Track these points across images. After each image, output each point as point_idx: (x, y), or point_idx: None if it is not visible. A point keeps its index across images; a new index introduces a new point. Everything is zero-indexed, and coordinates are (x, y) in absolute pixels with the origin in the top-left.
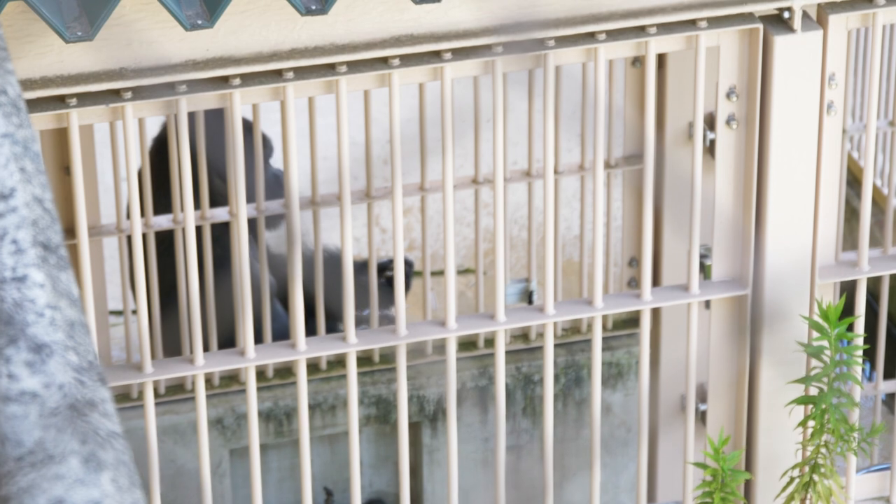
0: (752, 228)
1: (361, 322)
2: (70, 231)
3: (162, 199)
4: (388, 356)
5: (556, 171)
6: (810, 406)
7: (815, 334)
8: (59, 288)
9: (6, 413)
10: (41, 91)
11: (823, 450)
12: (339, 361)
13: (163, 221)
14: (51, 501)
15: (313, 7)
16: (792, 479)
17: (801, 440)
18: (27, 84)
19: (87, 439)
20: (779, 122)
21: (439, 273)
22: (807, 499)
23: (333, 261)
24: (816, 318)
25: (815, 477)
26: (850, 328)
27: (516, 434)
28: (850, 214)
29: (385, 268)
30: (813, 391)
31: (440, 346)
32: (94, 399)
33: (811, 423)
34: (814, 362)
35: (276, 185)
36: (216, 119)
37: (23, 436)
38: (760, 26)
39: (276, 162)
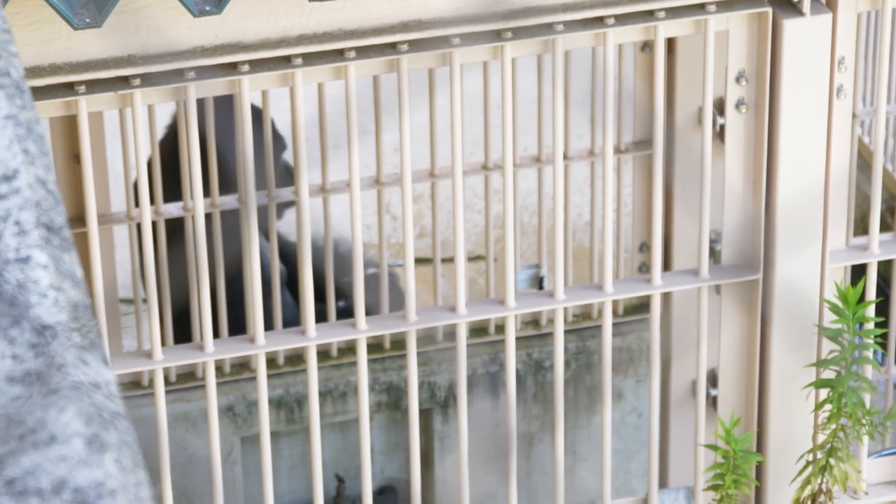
0: (763, 213)
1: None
2: (80, 219)
3: (176, 188)
4: (399, 342)
5: (566, 157)
6: (824, 390)
7: (831, 317)
8: (62, 269)
9: (10, 394)
10: (50, 78)
11: (840, 433)
12: (349, 348)
13: (173, 209)
14: (54, 482)
15: None
16: (808, 463)
17: (815, 424)
18: (35, 71)
19: (90, 420)
20: (788, 106)
21: (450, 260)
22: (823, 482)
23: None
24: (834, 300)
25: (832, 461)
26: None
27: (527, 420)
28: (861, 199)
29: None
30: (829, 375)
31: (451, 333)
32: (98, 380)
33: (827, 406)
34: (826, 346)
35: (288, 175)
36: (229, 106)
37: (26, 416)
38: (769, 10)
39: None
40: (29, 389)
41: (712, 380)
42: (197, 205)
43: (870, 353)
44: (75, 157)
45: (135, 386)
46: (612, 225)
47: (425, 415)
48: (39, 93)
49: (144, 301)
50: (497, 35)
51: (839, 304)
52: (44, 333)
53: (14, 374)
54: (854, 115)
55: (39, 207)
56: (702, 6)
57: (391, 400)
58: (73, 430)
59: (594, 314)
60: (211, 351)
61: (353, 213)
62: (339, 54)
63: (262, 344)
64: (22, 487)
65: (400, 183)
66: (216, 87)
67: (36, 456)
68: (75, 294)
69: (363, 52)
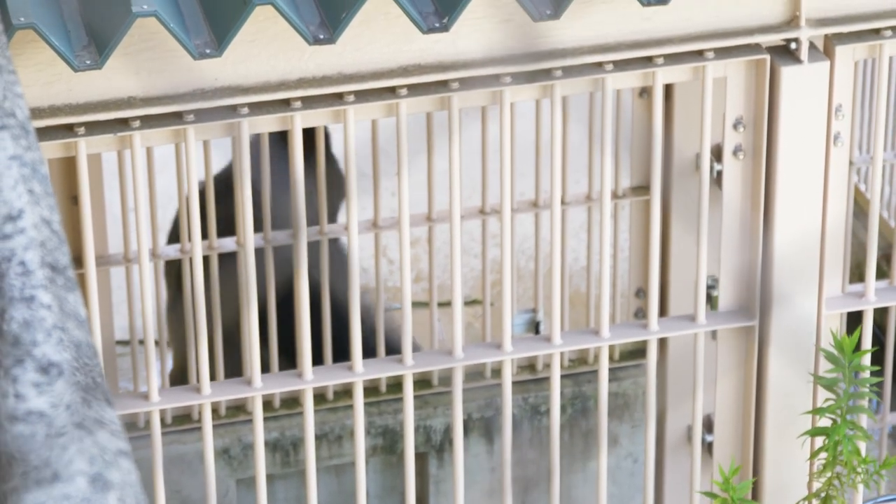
0: (759, 259)
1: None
2: (77, 260)
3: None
4: (395, 386)
5: (563, 202)
6: (819, 437)
7: (827, 364)
8: (66, 309)
9: (13, 432)
10: (49, 120)
11: (836, 482)
12: (345, 391)
13: (171, 251)
14: None
15: (321, 36)
16: None
17: (810, 471)
18: (35, 113)
19: (93, 459)
20: (786, 153)
21: (446, 304)
22: None
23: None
24: (829, 348)
25: None
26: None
27: (523, 465)
28: (857, 246)
29: None
30: (824, 422)
31: (447, 377)
32: (102, 418)
33: (822, 454)
34: (821, 394)
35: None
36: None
37: (29, 455)
38: (767, 57)
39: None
40: (32, 428)
41: (708, 426)
42: (195, 249)
43: (865, 402)
44: (73, 199)
45: (131, 427)
46: (609, 269)
47: (421, 459)
48: (39, 134)
49: (140, 342)
50: (496, 80)
51: (835, 352)
52: (48, 372)
53: (17, 413)
54: (851, 163)
55: (44, 247)
56: (700, 53)
57: (387, 443)
58: (76, 469)
59: (590, 359)
60: (208, 393)
61: (351, 256)
62: (339, 98)
63: (258, 387)
64: None
65: (398, 227)
66: (215, 129)
67: (39, 494)
68: (79, 334)
69: (362, 95)
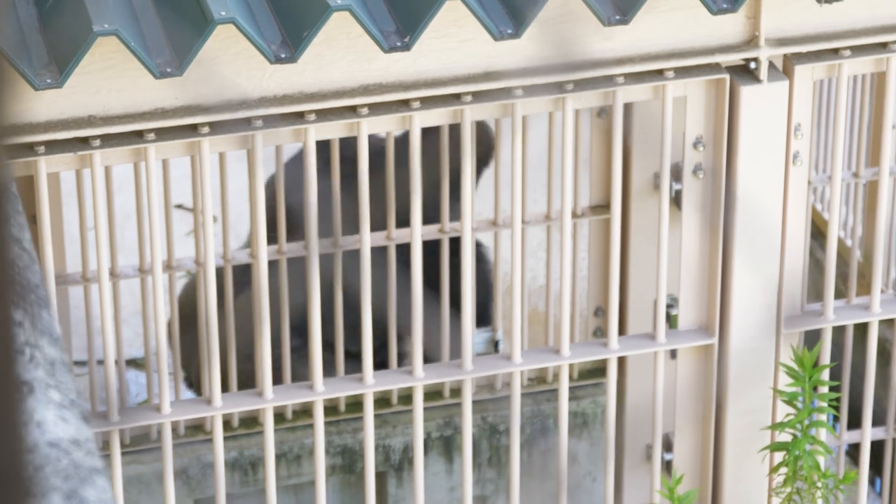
0: (719, 278)
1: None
2: None
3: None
4: (354, 405)
5: (522, 221)
6: (778, 453)
7: (784, 382)
8: (39, 326)
9: None
10: None
11: (796, 497)
12: (304, 410)
13: (129, 270)
14: None
15: (283, 55)
16: None
17: (770, 487)
18: None
19: (68, 476)
20: (745, 172)
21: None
22: None
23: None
24: (790, 363)
25: None
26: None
27: (482, 484)
28: (812, 265)
29: None
30: (784, 438)
31: (406, 396)
32: (77, 436)
33: (783, 469)
34: (780, 410)
35: None
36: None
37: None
38: (727, 76)
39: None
40: None
41: (667, 444)
42: (156, 268)
43: (824, 417)
44: (32, 218)
45: None
46: (569, 288)
47: (380, 478)
48: None
49: (99, 362)
50: (456, 99)
51: (795, 367)
52: (20, 390)
53: None
54: (809, 182)
55: (14, 265)
56: (660, 72)
57: (345, 463)
58: (51, 486)
59: (549, 378)
60: (167, 413)
61: (311, 277)
62: (300, 117)
63: (218, 406)
64: None
65: (360, 246)
66: (176, 148)
67: None
68: (52, 351)
69: (323, 114)
